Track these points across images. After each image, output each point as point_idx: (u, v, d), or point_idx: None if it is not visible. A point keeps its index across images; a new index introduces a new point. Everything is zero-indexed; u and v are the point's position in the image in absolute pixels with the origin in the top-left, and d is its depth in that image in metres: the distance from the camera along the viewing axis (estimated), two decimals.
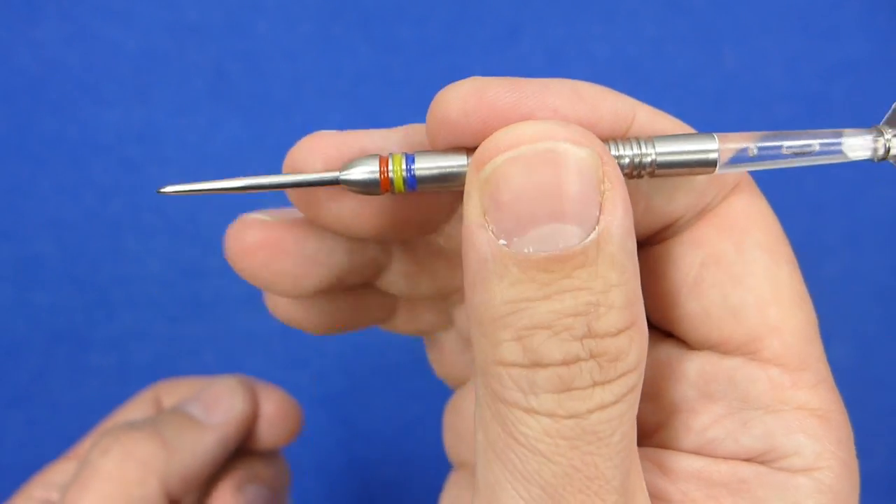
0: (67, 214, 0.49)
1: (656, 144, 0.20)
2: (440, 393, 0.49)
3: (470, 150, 0.19)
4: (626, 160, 0.20)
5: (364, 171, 0.20)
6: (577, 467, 0.17)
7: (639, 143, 0.20)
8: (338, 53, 0.49)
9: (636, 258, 0.18)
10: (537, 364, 0.17)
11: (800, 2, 0.49)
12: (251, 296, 0.49)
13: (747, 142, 0.20)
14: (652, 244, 0.23)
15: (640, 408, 0.22)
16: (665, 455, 0.21)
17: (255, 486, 0.33)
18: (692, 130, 0.21)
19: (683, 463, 0.21)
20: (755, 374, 0.21)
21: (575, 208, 0.17)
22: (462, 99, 0.19)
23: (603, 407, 0.17)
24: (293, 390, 0.35)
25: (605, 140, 0.20)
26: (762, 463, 0.21)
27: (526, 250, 0.17)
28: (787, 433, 0.20)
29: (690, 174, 0.20)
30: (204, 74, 0.49)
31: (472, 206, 0.18)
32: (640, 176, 0.20)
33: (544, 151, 0.17)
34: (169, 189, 0.21)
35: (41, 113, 0.49)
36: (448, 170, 0.20)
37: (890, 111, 0.21)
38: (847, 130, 0.21)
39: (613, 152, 0.20)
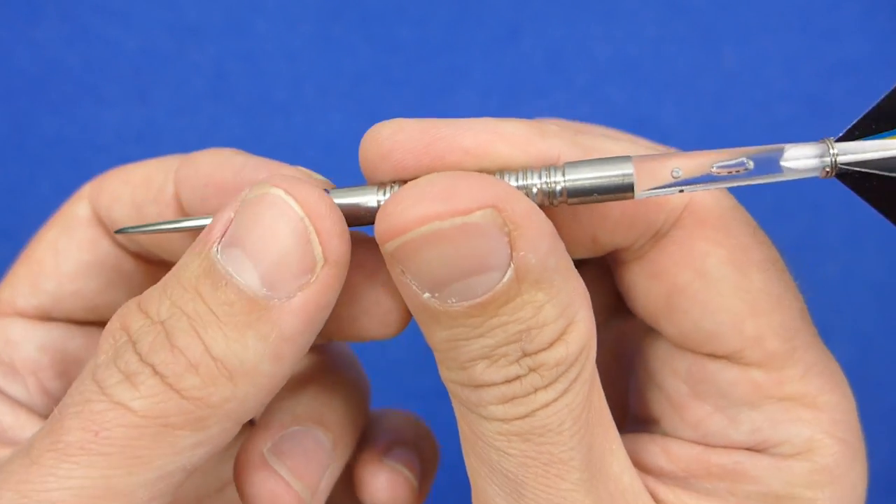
0: None
1: (566, 171, 0.19)
2: (441, 394, 0.49)
3: (381, 185, 0.21)
4: (535, 189, 0.19)
5: None
6: (531, 457, 0.19)
7: (547, 171, 0.19)
8: (338, 53, 0.49)
9: (567, 260, 0.19)
10: (481, 386, 0.19)
11: (800, 2, 0.49)
12: None
13: (670, 162, 0.19)
14: (621, 262, 0.23)
15: (645, 396, 0.24)
16: (667, 441, 0.23)
17: (406, 450, 0.28)
18: (621, 142, 0.21)
19: (685, 450, 0.23)
20: (738, 378, 0.22)
21: (485, 261, 0.18)
22: (379, 142, 0.20)
23: (547, 405, 0.19)
24: None
25: (513, 170, 0.20)
26: (756, 451, 0.22)
27: (450, 301, 0.18)
28: (773, 425, 0.22)
29: (610, 200, 0.19)
30: (204, 74, 0.49)
31: (392, 267, 0.19)
32: (553, 204, 0.20)
33: (428, 234, 0.18)
34: (129, 230, 0.24)
35: (41, 113, 0.49)
36: (356, 208, 0.21)
37: (849, 126, 0.19)
38: (789, 145, 0.19)
39: (520, 182, 0.20)
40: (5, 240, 0.49)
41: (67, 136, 0.49)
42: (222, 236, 0.20)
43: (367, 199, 0.21)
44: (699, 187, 0.19)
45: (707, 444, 0.22)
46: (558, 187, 0.19)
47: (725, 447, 0.22)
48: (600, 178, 0.19)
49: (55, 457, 0.19)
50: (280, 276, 0.19)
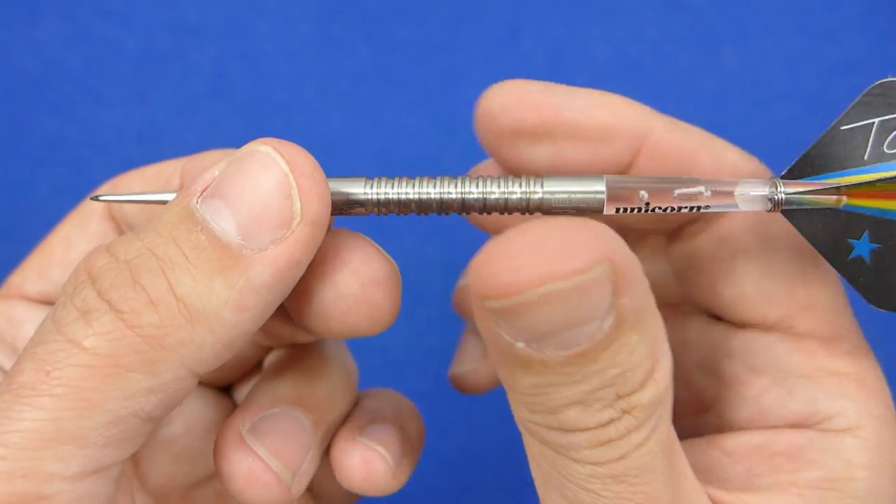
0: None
1: (545, 183, 0.21)
2: (441, 394, 0.49)
3: (368, 179, 0.22)
4: (515, 196, 0.21)
5: None
6: (626, 497, 0.19)
7: (527, 181, 0.21)
8: (338, 53, 0.49)
9: (651, 296, 0.18)
10: (573, 431, 0.18)
11: (800, 2, 0.49)
12: None
13: (637, 186, 0.21)
14: (685, 238, 0.25)
15: (698, 383, 0.25)
16: (726, 439, 0.24)
17: (384, 426, 0.27)
18: (718, 139, 0.23)
19: (743, 441, 0.23)
20: (792, 348, 0.23)
21: (592, 314, 0.17)
22: (503, 95, 0.21)
23: (640, 445, 0.18)
24: None
25: (494, 176, 0.22)
26: (811, 427, 0.23)
27: (547, 351, 0.17)
28: (828, 397, 0.23)
29: (580, 214, 0.21)
30: (204, 74, 0.49)
31: (480, 313, 0.18)
32: (529, 212, 0.21)
33: (549, 295, 0.16)
34: (104, 198, 0.24)
35: (41, 113, 0.49)
36: (343, 195, 0.22)
37: (794, 162, 0.21)
38: (742, 180, 0.21)
39: (501, 188, 0.21)
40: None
41: (67, 136, 0.49)
42: (204, 191, 0.20)
43: (355, 188, 0.21)
44: (658, 211, 0.21)
45: (764, 424, 0.23)
46: (536, 197, 0.21)
47: (782, 426, 0.23)
48: (575, 192, 0.21)
49: (9, 399, 0.19)
50: (256, 227, 0.19)
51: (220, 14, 0.49)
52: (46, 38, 0.49)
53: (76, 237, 0.27)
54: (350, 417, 0.27)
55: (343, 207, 0.22)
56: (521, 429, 0.20)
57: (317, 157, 0.21)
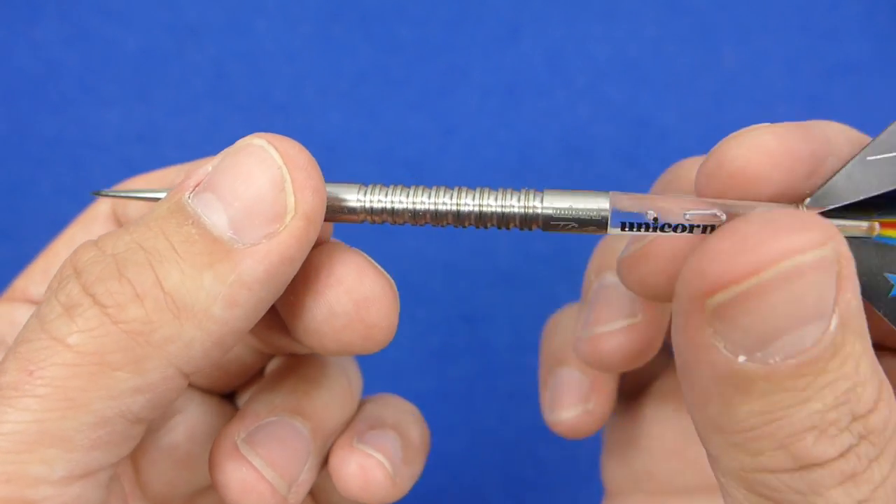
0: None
1: (545, 198, 0.20)
2: (441, 395, 0.49)
3: (362, 185, 0.21)
4: (513, 211, 0.20)
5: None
6: None
7: (526, 195, 0.20)
8: (338, 53, 0.49)
9: (863, 307, 0.17)
10: (812, 465, 0.16)
11: (800, 2, 0.49)
12: None
13: (645, 204, 0.19)
14: None
15: None
16: None
17: (383, 432, 0.26)
18: None
19: None
20: None
21: (821, 308, 0.16)
22: (754, 148, 0.18)
23: (885, 480, 0.17)
24: None
25: (492, 191, 0.21)
26: None
27: (772, 361, 0.16)
28: None
29: (582, 232, 0.20)
30: (204, 74, 0.49)
31: (697, 328, 0.16)
32: (529, 227, 0.20)
33: (789, 271, 0.15)
34: (105, 193, 0.23)
35: (41, 113, 0.49)
36: (343, 203, 0.21)
37: (818, 189, 0.20)
38: (761, 204, 0.19)
39: (499, 202, 0.20)
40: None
41: (67, 136, 0.49)
42: (197, 185, 0.19)
43: (348, 195, 0.21)
44: (668, 234, 0.20)
45: None
46: (537, 212, 0.20)
47: None
48: (577, 209, 0.20)
49: None
50: (249, 221, 0.19)
51: (220, 14, 0.49)
52: (46, 38, 0.49)
53: (80, 239, 0.27)
54: (350, 424, 0.26)
55: (336, 214, 0.21)
56: (731, 489, 0.18)
57: (317, 158, 0.21)
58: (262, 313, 0.20)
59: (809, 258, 0.15)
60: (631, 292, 0.25)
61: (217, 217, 0.19)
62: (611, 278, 0.26)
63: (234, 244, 0.19)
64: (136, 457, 0.26)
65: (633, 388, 0.30)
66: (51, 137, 0.49)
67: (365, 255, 0.22)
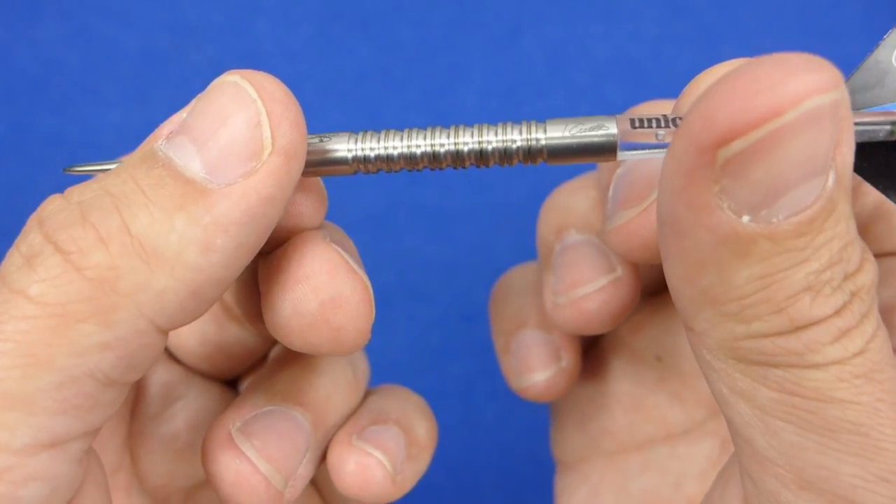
0: None
1: (548, 128, 0.19)
2: (441, 394, 0.49)
3: (352, 133, 0.20)
4: (515, 145, 0.19)
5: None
6: (881, 398, 0.16)
7: (528, 127, 0.19)
8: (338, 53, 0.49)
9: None
10: (809, 326, 0.16)
11: (800, 2, 0.49)
12: None
13: (650, 128, 0.18)
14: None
15: None
16: None
17: (385, 428, 0.25)
18: None
19: None
20: None
21: (825, 161, 0.15)
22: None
23: (875, 334, 0.17)
24: None
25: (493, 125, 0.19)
26: None
27: (775, 220, 0.15)
28: None
29: (591, 160, 0.19)
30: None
31: (701, 185, 0.15)
32: (534, 161, 0.19)
33: (807, 112, 0.14)
34: (77, 169, 0.22)
35: (41, 113, 0.49)
36: (332, 154, 0.20)
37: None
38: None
39: (499, 136, 0.19)
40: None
41: (67, 136, 0.49)
42: (171, 134, 0.18)
43: (338, 144, 0.20)
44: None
45: None
46: (540, 143, 0.19)
47: None
48: (583, 136, 0.19)
49: None
50: (224, 161, 0.18)
51: (220, 14, 0.49)
52: (46, 38, 0.49)
53: None
54: (350, 418, 0.25)
55: (326, 166, 0.20)
56: (718, 364, 0.17)
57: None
58: (245, 262, 0.18)
59: (826, 100, 0.14)
60: (602, 247, 0.24)
61: (189, 159, 0.18)
62: (575, 237, 0.25)
63: (207, 184, 0.17)
64: (133, 445, 0.25)
65: (583, 347, 0.29)
66: (51, 137, 0.49)
67: (340, 251, 0.20)
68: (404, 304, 0.48)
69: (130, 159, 0.18)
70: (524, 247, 0.49)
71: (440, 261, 0.48)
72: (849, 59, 0.55)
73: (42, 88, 0.49)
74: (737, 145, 0.14)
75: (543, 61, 0.49)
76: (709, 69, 0.19)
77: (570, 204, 0.26)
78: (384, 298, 0.50)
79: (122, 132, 0.49)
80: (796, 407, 0.17)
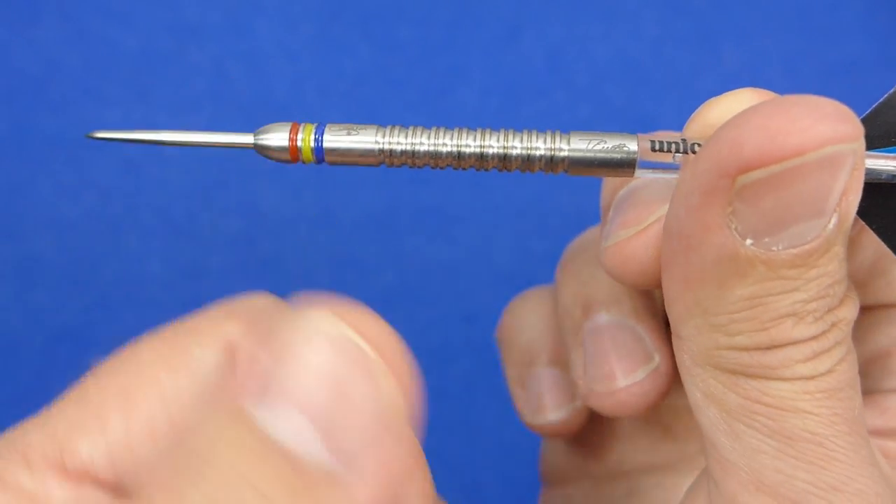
0: (67, 214, 0.49)
1: (572, 140, 0.20)
2: (441, 394, 0.49)
3: (380, 127, 0.20)
4: (539, 153, 0.20)
5: (279, 138, 0.20)
6: (839, 413, 0.18)
7: (553, 137, 0.20)
8: (338, 53, 0.49)
9: None
10: (786, 345, 0.17)
11: (800, 2, 0.49)
12: None
13: (670, 150, 0.19)
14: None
15: None
16: (880, 399, 0.22)
17: None
18: None
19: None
20: None
21: (831, 203, 0.16)
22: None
23: (843, 359, 0.18)
24: None
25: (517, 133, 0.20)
26: None
27: (775, 248, 0.17)
28: None
29: (609, 174, 0.20)
30: (204, 74, 0.49)
31: (716, 205, 0.16)
32: (555, 171, 0.20)
33: (826, 157, 0.16)
34: (99, 134, 0.21)
35: (41, 113, 0.49)
36: (361, 145, 0.20)
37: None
38: None
39: (524, 143, 0.20)
40: (5, 240, 0.49)
41: (67, 136, 0.49)
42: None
43: (365, 137, 0.20)
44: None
45: None
46: (563, 154, 0.19)
47: None
48: (604, 150, 0.19)
49: None
50: (350, 442, 0.15)
51: (220, 14, 0.49)
52: (46, 38, 0.49)
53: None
54: None
55: (353, 156, 0.20)
56: (696, 369, 0.19)
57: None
58: None
59: (847, 148, 0.16)
60: (635, 330, 0.24)
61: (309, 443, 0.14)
62: (605, 318, 0.25)
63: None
64: None
65: None
66: (51, 137, 0.49)
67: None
68: (404, 304, 0.48)
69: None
70: (524, 247, 0.49)
71: (440, 261, 0.48)
72: (849, 59, 0.55)
73: (42, 88, 0.49)
74: (756, 174, 0.16)
75: (543, 61, 0.49)
76: (714, 99, 0.20)
77: (594, 275, 0.26)
78: (384, 298, 0.50)
79: None
80: (759, 413, 0.18)
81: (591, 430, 0.28)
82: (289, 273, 0.49)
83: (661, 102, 0.49)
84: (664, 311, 0.24)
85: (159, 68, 0.49)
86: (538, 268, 0.49)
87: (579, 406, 0.27)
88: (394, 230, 0.48)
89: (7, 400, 0.49)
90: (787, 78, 0.49)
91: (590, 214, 0.49)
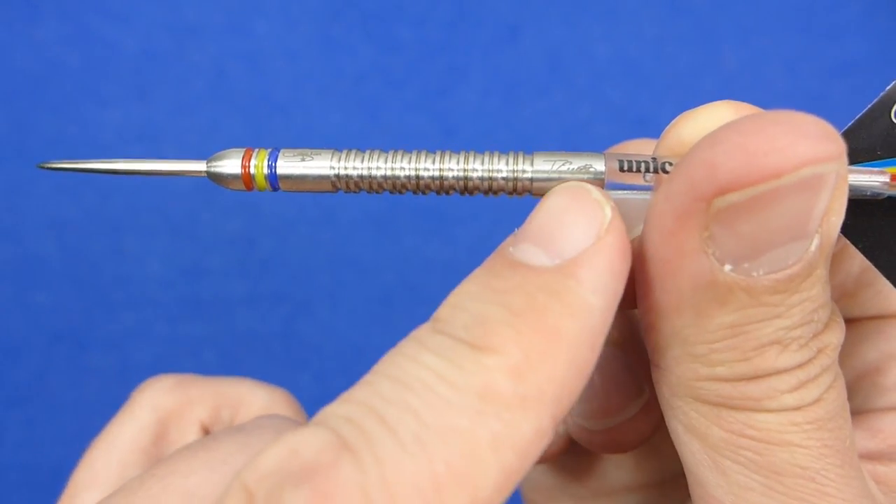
0: (67, 214, 0.49)
1: (535, 161, 0.18)
2: None
3: (336, 151, 0.19)
4: (500, 176, 0.18)
5: (233, 165, 0.19)
6: (829, 444, 0.17)
7: (515, 158, 0.19)
8: (338, 53, 0.49)
9: None
10: (770, 375, 0.17)
11: (800, 2, 0.49)
12: (251, 296, 0.49)
13: (639, 168, 0.18)
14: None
15: None
16: (871, 419, 0.21)
17: None
18: None
19: (887, 420, 0.21)
20: None
21: (811, 226, 0.15)
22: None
23: (830, 387, 0.17)
24: (293, 390, 0.35)
25: (478, 154, 0.19)
26: None
27: (755, 274, 0.16)
28: None
29: None
30: (204, 74, 0.49)
31: (691, 229, 0.15)
32: (519, 194, 0.19)
33: (806, 179, 0.15)
34: (50, 165, 0.20)
35: (41, 113, 0.49)
36: (316, 171, 0.19)
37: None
38: None
39: (485, 165, 0.19)
40: (5, 240, 0.49)
41: (67, 136, 0.49)
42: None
43: (319, 163, 0.19)
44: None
45: None
46: (526, 175, 0.18)
47: None
48: (570, 172, 0.18)
49: None
50: (564, 241, 0.17)
51: (220, 14, 0.49)
52: (46, 38, 0.49)
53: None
54: None
55: (307, 183, 0.19)
56: (676, 401, 0.18)
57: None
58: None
59: (828, 168, 0.15)
60: (624, 359, 0.24)
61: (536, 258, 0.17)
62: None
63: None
64: None
65: None
66: (51, 137, 0.49)
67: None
68: (404, 304, 0.48)
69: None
70: None
71: (440, 261, 0.48)
72: (849, 59, 0.55)
73: (42, 88, 0.49)
74: (733, 197, 0.15)
75: (543, 61, 0.49)
76: (689, 112, 0.19)
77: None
78: (384, 298, 0.50)
79: (122, 132, 0.49)
80: (745, 448, 0.17)
81: (574, 451, 0.27)
82: (289, 273, 0.49)
83: (661, 102, 0.49)
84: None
85: (159, 68, 0.49)
86: None
87: (562, 432, 0.26)
88: (393, 230, 0.48)
89: (7, 400, 0.49)
90: (787, 78, 0.49)
91: None
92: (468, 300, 0.16)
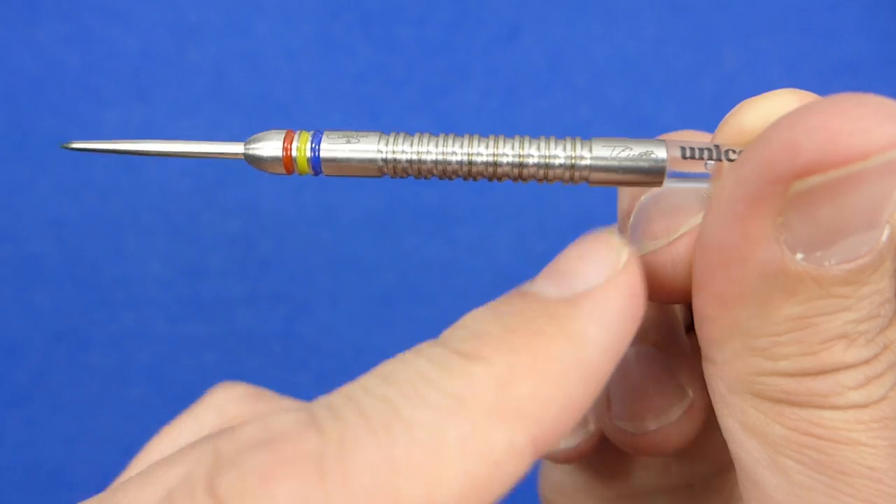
0: (67, 214, 0.49)
1: (594, 147, 0.18)
2: None
3: (383, 134, 0.18)
4: (557, 162, 0.18)
5: (272, 147, 0.18)
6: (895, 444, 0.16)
7: (573, 144, 0.18)
8: (338, 53, 0.49)
9: None
10: (837, 370, 0.16)
11: (800, 2, 0.49)
12: (251, 296, 0.49)
13: (701, 156, 0.18)
14: None
15: None
16: None
17: None
18: None
19: None
20: None
21: (886, 215, 0.15)
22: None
23: None
24: (293, 391, 0.35)
25: (534, 140, 0.18)
26: None
27: (826, 263, 0.15)
28: None
29: (635, 185, 0.18)
30: (204, 74, 0.49)
31: (765, 215, 0.15)
32: (575, 181, 0.18)
33: (890, 163, 0.14)
34: (75, 145, 0.19)
35: (41, 113, 0.49)
36: (362, 154, 0.18)
37: None
38: None
39: (542, 151, 0.18)
40: (5, 240, 0.49)
41: (67, 136, 0.49)
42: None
43: (366, 146, 0.18)
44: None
45: None
46: (584, 163, 0.18)
47: None
48: (630, 159, 0.17)
49: None
50: (576, 273, 0.17)
51: (220, 14, 0.49)
52: (46, 38, 0.49)
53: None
54: None
55: (352, 168, 0.18)
56: (732, 398, 0.17)
57: None
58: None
59: (886, 159, 0.14)
60: (664, 360, 0.23)
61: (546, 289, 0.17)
62: (630, 349, 0.23)
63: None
64: None
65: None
66: (51, 137, 0.49)
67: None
68: (404, 304, 0.48)
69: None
70: (524, 247, 0.49)
71: (440, 261, 0.48)
72: (849, 59, 0.55)
73: (42, 88, 0.49)
74: (814, 180, 0.14)
75: (543, 61, 0.49)
76: (750, 100, 0.18)
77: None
78: (384, 298, 0.50)
79: (122, 132, 0.49)
80: (809, 447, 0.16)
81: (601, 452, 0.27)
82: (289, 273, 0.49)
83: (661, 102, 0.49)
84: (686, 336, 0.23)
85: (159, 68, 0.49)
86: (538, 268, 0.49)
87: (592, 430, 0.26)
88: (394, 230, 0.48)
89: (7, 400, 0.49)
90: (787, 78, 0.49)
91: (590, 214, 0.49)
92: (472, 320, 0.16)
